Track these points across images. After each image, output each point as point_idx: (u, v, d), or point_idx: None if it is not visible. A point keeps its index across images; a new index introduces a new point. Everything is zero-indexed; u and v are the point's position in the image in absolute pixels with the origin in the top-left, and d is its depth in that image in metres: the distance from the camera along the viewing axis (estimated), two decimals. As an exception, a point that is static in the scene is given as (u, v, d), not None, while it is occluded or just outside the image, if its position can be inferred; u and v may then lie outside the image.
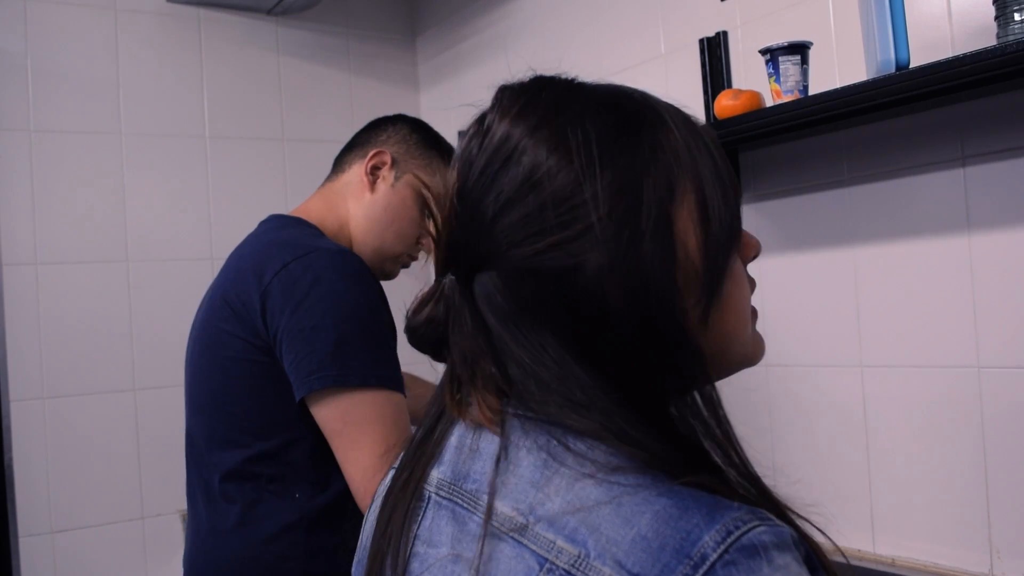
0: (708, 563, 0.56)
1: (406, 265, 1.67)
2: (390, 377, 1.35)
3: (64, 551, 2.30)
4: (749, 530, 0.57)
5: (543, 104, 0.73)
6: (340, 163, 1.67)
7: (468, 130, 0.75)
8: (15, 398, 2.27)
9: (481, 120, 0.74)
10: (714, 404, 0.69)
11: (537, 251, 0.66)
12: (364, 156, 1.62)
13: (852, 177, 1.68)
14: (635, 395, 0.65)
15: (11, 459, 2.25)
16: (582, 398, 0.64)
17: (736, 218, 0.72)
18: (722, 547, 0.56)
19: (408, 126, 1.66)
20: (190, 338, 1.55)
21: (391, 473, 0.81)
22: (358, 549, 0.83)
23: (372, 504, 0.83)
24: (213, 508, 1.45)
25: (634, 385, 0.65)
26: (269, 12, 2.70)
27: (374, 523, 0.78)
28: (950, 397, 1.55)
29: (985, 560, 1.51)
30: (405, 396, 1.40)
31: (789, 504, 0.68)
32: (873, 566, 1.63)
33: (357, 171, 1.62)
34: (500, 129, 0.72)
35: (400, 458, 0.80)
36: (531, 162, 0.68)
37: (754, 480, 0.68)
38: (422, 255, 1.68)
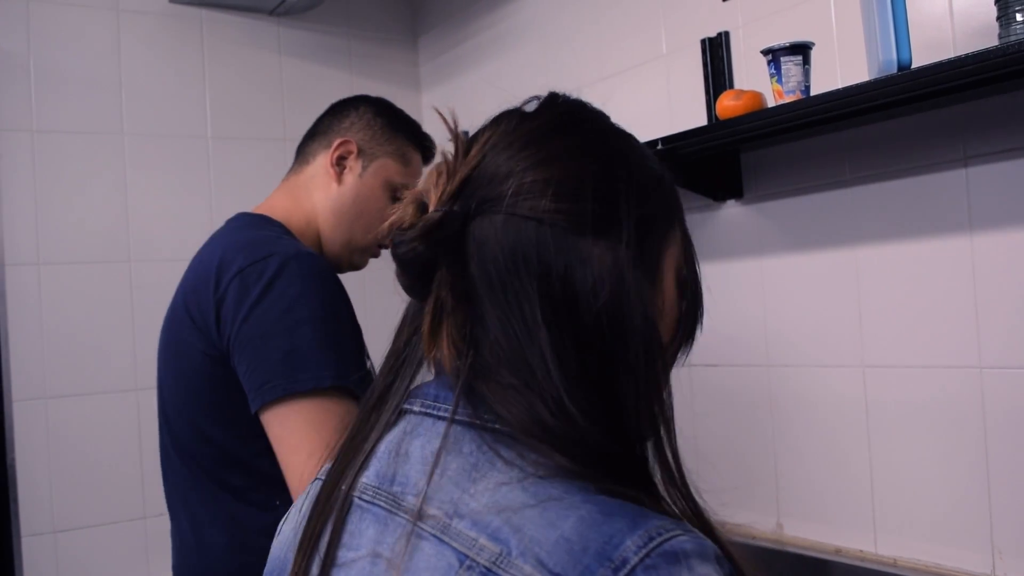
0: (629, 566, 0.57)
1: (375, 255, 1.61)
2: (347, 376, 1.28)
3: (66, 551, 2.31)
4: (671, 537, 0.59)
5: (597, 116, 0.78)
6: (303, 153, 1.60)
7: (525, 102, 0.78)
8: (17, 398, 2.27)
9: (546, 99, 0.77)
10: (667, 419, 0.70)
11: (558, 210, 0.68)
12: (328, 146, 1.55)
13: (854, 177, 1.68)
14: (591, 384, 0.66)
15: (13, 459, 2.25)
16: (539, 367, 0.66)
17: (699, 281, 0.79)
18: (643, 551, 0.58)
19: (372, 109, 1.59)
20: (159, 344, 1.49)
21: (317, 484, 0.81)
22: (272, 559, 0.83)
23: (289, 514, 0.83)
24: (195, 521, 1.40)
25: (594, 375, 0.67)
26: (271, 13, 2.70)
27: (295, 532, 0.78)
28: (952, 397, 1.55)
29: (987, 561, 1.51)
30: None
31: (721, 528, 0.70)
32: (875, 567, 1.63)
33: (322, 162, 1.55)
34: (563, 107, 0.76)
35: (326, 470, 0.80)
36: (591, 138, 0.73)
37: (689, 499, 0.70)
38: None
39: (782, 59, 1.56)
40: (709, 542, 0.61)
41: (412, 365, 0.77)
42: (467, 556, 0.62)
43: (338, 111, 1.60)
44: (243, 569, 1.32)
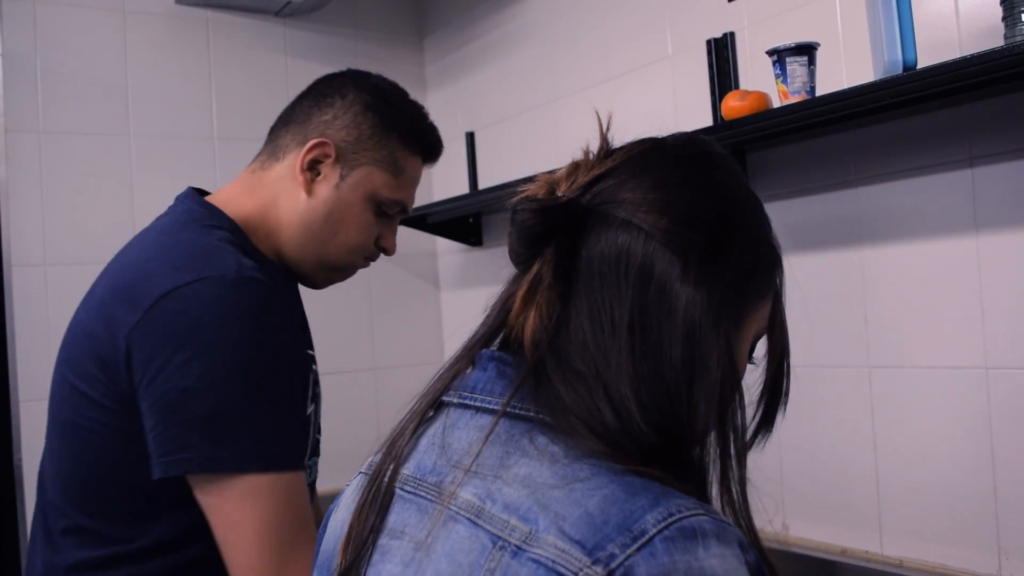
0: (647, 536, 0.60)
1: (363, 265, 1.36)
2: (279, 455, 1.06)
3: (73, 551, 2.31)
4: (692, 515, 0.62)
5: (736, 171, 0.82)
6: (274, 144, 1.31)
7: (672, 136, 0.82)
8: (24, 399, 2.27)
9: (695, 138, 0.82)
10: (739, 436, 0.75)
11: (670, 231, 0.71)
12: (303, 143, 1.26)
13: (859, 178, 1.68)
14: (660, 397, 0.69)
15: (20, 459, 2.25)
16: (614, 365, 0.69)
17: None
18: (662, 524, 0.61)
19: (362, 100, 1.29)
20: (57, 368, 1.23)
21: (362, 477, 0.84)
22: (321, 551, 0.85)
23: (336, 506, 0.87)
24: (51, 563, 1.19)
25: (666, 390, 0.70)
26: (277, 14, 2.70)
27: (340, 523, 0.82)
28: (958, 398, 1.55)
29: (993, 561, 1.51)
30: (304, 469, 1.11)
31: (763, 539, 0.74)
32: (881, 567, 1.63)
33: (292, 163, 1.26)
34: (706, 149, 0.81)
35: (370, 463, 0.84)
36: (722, 183, 0.78)
37: (748, 520, 0.74)
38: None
39: (787, 60, 1.56)
40: (734, 528, 0.63)
41: (463, 360, 0.80)
42: (500, 537, 0.65)
43: (321, 94, 1.30)
44: None
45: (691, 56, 1.99)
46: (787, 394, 0.84)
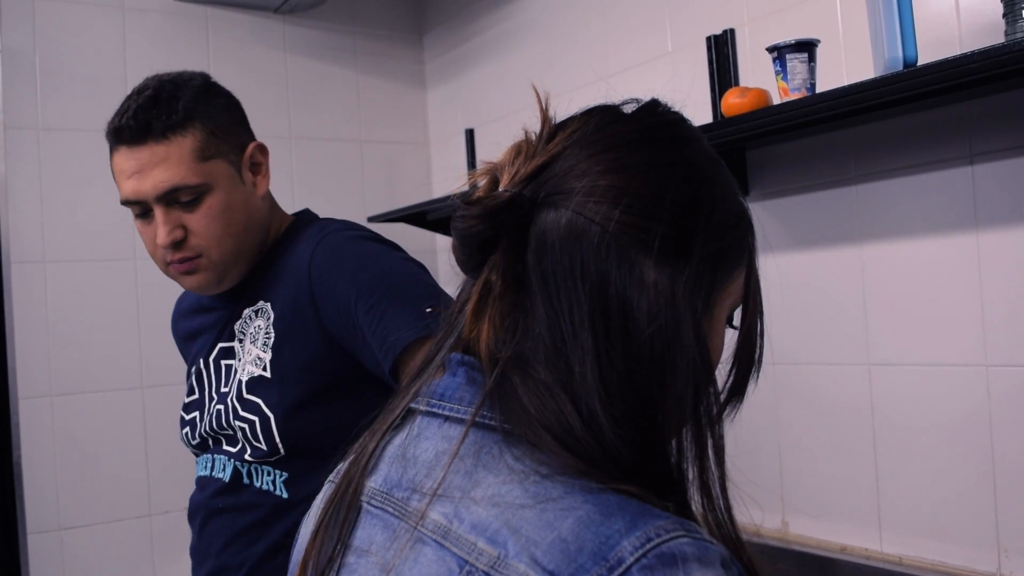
0: (624, 566, 0.56)
1: (172, 270, 1.41)
2: None
3: (72, 548, 2.31)
4: (671, 539, 0.58)
5: (692, 137, 0.73)
6: None
7: (624, 102, 0.74)
8: (23, 395, 2.28)
9: (645, 104, 0.74)
10: (717, 447, 0.69)
11: (626, 223, 0.65)
12: None
13: (859, 175, 1.68)
14: (630, 401, 0.65)
15: (19, 456, 2.25)
16: (578, 372, 0.64)
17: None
18: (639, 551, 0.57)
19: None
20: None
21: (329, 486, 0.80)
22: (291, 562, 0.82)
23: (307, 516, 0.83)
24: None
25: (635, 393, 0.65)
26: (277, 10, 2.70)
27: (308, 535, 0.78)
28: (958, 395, 1.54)
29: (993, 559, 1.51)
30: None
31: (749, 545, 0.70)
32: (880, 565, 1.63)
33: None
34: (660, 119, 0.72)
35: (338, 471, 0.80)
36: (681, 159, 0.69)
37: (731, 528, 0.70)
38: None
39: (787, 56, 1.56)
40: (716, 546, 0.59)
41: (435, 367, 0.74)
42: (467, 561, 0.62)
43: None
44: None
45: (691, 53, 1.99)
46: (760, 360, 0.75)
